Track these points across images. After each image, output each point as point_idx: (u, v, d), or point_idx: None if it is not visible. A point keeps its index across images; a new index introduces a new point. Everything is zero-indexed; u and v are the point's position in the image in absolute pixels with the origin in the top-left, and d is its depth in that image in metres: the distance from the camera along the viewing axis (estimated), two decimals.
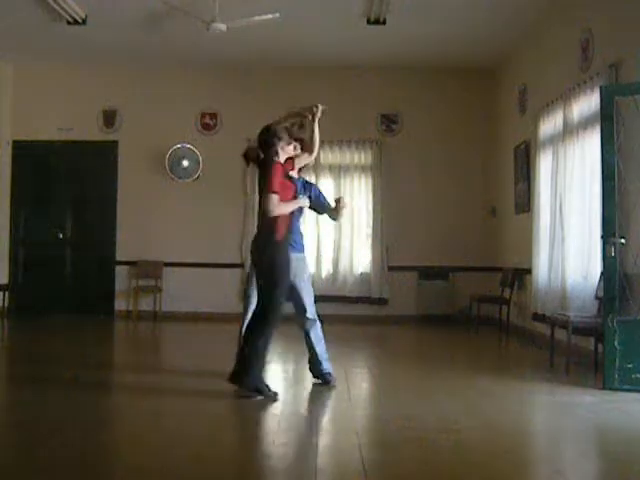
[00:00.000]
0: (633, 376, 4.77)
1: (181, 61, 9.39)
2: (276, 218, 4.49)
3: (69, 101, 9.65)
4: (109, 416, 4.28)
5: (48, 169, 9.81)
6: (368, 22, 7.67)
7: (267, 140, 4.70)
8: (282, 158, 4.72)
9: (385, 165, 9.51)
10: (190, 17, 6.95)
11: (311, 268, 9.43)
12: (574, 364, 5.46)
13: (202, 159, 9.56)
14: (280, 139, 4.70)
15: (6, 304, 9.27)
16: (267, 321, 4.52)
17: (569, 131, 6.43)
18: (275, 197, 4.45)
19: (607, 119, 4.97)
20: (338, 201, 5.16)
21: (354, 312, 9.36)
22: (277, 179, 4.50)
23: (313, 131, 5.04)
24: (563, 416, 4.26)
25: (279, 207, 4.49)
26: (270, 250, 4.51)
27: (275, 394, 4.50)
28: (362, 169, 9.60)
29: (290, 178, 4.79)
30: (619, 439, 3.73)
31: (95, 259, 9.67)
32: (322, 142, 9.25)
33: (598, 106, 5.17)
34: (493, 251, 9.26)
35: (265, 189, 4.51)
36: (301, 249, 5.03)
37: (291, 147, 4.83)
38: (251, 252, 4.73)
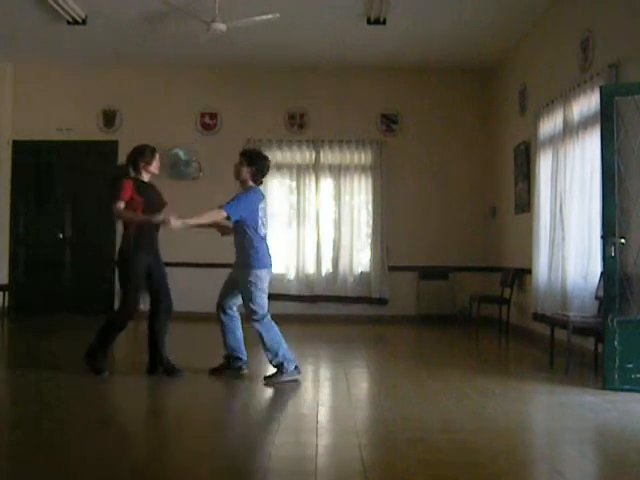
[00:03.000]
0: (633, 376, 4.78)
1: (181, 61, 9.40)
2: (124, 232, 5.18)
3: (69, 101, 9.65)
4: (108, 416, 4.28)
5: (48, 169, 9.81)
6: (368, 22, 7.67)
7: (132, 157, 5.28)
8: (145, 176, 5.29)
9: (385, 165, 9.51)
10: (190, 17, 6.96)
11: (311, 268, 9.47)
12: (574, 364, 5.46)
13: (202, 159, 9.56)
14: (142, 157, 5.25)
15: (6, 304, 9.27)
16: (119, 316, 5.22)
17: (569, 131, 6.43)
18: (121, 205, 5.07)
19: (607, 119, 4.97)
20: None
21: (354, 312, 9.36)
22: (125, 192, 5.08)
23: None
24: (563, 416, 4.26)
25: (122, 215, 5.13)
26: (120, 261, 5.18)
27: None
28: (362, 169, 9.60)
29: (142, 194, 5.18)
30: (619, 439, 3.73)
31: (95, 259, 9.66)
32: (322, 142, 9.49)
33: (598, 106, 5.17)
34: (493, 251, 9.26)
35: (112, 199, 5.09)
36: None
37: (153, 166, 5.30)
38: None
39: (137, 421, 4.16)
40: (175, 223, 5.04)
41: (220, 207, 5.13)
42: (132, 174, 5.27)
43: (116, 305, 9.47)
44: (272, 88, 9.59)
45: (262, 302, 5.16)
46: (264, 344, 5.13)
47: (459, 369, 5.79)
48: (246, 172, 5.29)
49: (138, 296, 5.22)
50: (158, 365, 5.22)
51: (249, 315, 5.13)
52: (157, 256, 5.39)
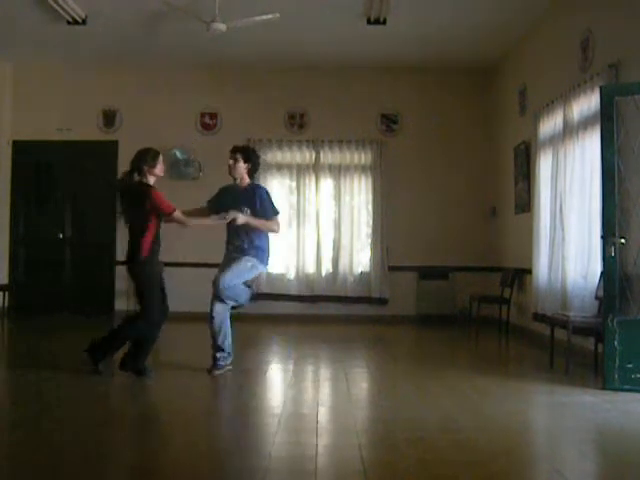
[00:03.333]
0: (633, 376, 4.77)
1: (181, 61, 9.39)
2: (140, 240, 5.08)
3: (69, 101, 9.65)
4: (107, 416, 4.28)
5: (48, 169, 9.81)
6: (368, 22, 7.67)
7: (135, 163, 5.18)
8: (151, 180, 5.19)
9: (385, 165, 9.51)
10: (190, 17, 6.96)
11: (311, 268, 9.47)
12: (574, 364, 5.46)
13: (202, 159, 9.56)
14: (145, 162, 5.15)
15: (6, 304, 9.27)
16: (146, 322, 5.16)
17: (569, 131, 6.43)
18: (179, 213, 5.12)
19: (607, 119, 4.97)
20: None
21: (354, 312, 9.36)
22: (164, 199, 5.09)
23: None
24: (563, 416, 4.26)
25: (188, 219, 5.22)
26: (139, 269, 5.12)
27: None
28: (362, 169, 9.59)
29: None
30: (619, 439, 3.73)
31: (95, 259, 9.66)
32: (322, 142, 9.49)
33: (598, 106, 5.17)
34: (493, 251, 9.26)
35: (163, 214, 5.12)
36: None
37: (157, 169, 5.21)
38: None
39: (136, 421, 4.16)
40: (242, 219, 5.19)
41: (273, 220, 5.37)
42: (136, 179, 5.17)
43: (117, 306, 9.53)
44: (272, 88, 9.59)
45: (239, 289, 5.31)
46: (215, 325, 5.29)
47: (459, 369, 5.79)
48: (244, 168, 5.36)
49: (159, 301, 5.22)
50: (129, 363, 5.20)
51: (218, 289, 5.18)
52: (160, 262, 5.40)
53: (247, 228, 5.29)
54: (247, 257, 5.26)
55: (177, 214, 5.15)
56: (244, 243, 5.30)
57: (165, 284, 5.43)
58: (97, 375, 5.12)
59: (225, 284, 5.19)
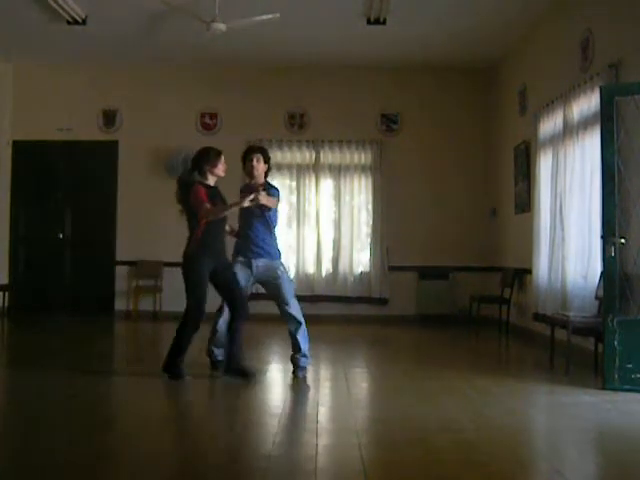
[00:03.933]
0: (633, 376, 4.77)
1: (181, 61, 9.40)
2: (191, 235, 5.04)
3: (69, 101, 9.65)
4: (108, 416, 4.28)
5: (48, 169, 9.81)
6: (368, 22, 7.67)
7: (196, 162, 5.14)
8: (211, 180, 5.14)
9: (385, 165, 9.52)
10: (190, 17, 6.96)
11: (311, 268, 9.47)
12: (574, 364, 5.45)
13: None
14: (207, 161, 5.09)
15: (6, 304, 9.27)
16: (190, 319, 5.03)
17: (569, 131, 6.43)
18: (207, 205, 4.95)
19: (607, 119, 4.96)
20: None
21: (354, 312, 9.37)
22: (202, 195, 4.97)
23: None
24: (563, 416, 4.26)
25: (214, 211, 4.97)
26: (184, 263, 5.06)
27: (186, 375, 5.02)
28: (362, 169, 9.60)
29: (214, 200, 5.05)
30: (619, 439, 3.73)
31: (95, 259, 9.66)
32: (322, 142, 9.49)
33: (598, 106, 5.17)
34: (493, 251, 9.26)
35: (194, 207, 5.00)
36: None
37: (218, 169, 5.14)
38: None
39: (137, 421, 4.16)
40: (263, 198, 4.98)
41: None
42: (197, 178, 5.11)
43: (117, 306, 9.54)
44: (272, 88, 9.59)
45: (292, 289, 5.40)
46: (301, 343, 5.24)
47: (459, 369, 5.79)
48: (263, 169, 5.36)
49: (203, 300, 5.06)
50: (229, 365, 5.09)
51: (291, 311, 5.19)
52: (225, 261, 5.21)
53: (257, 232, 5.28)
54: (274, 269, 5.28)
55: (206, 207, 4.97)
56: (258, 245, 5.29)
57: (236, 286, 5.19)
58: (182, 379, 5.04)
59: (294, 308, 5.22)
